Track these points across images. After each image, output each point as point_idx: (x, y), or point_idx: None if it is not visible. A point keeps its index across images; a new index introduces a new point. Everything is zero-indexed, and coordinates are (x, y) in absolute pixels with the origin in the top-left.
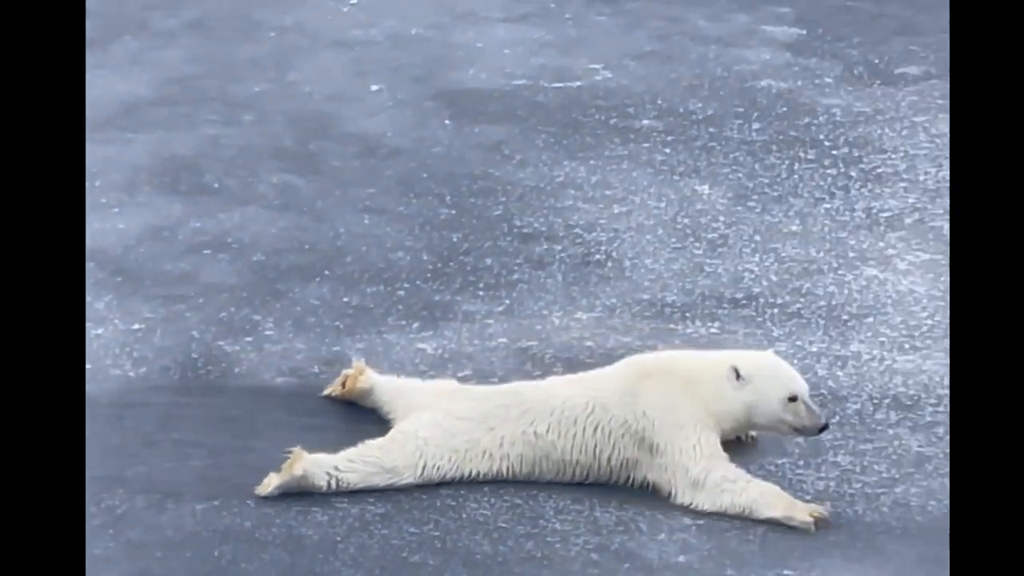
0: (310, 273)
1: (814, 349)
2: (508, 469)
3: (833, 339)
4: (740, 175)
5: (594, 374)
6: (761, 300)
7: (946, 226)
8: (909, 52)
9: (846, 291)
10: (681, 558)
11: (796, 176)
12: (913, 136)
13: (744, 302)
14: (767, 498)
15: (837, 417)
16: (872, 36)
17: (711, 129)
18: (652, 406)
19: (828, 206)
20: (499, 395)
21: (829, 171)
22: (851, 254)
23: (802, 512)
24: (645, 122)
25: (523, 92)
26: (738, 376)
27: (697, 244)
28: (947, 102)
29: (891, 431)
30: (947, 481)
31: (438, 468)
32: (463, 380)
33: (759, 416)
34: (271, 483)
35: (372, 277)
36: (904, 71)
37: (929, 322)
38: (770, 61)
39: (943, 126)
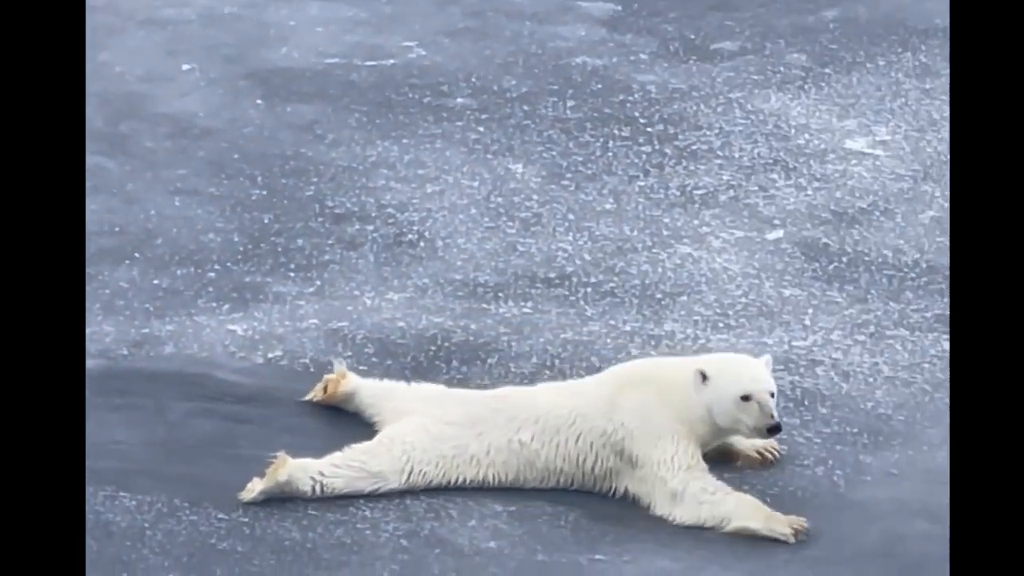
0: (119, 256)
1: (628, 328)
2: (494, 476)
3: (647, 318)
4: (554, 153)
5: (579, 383)
6: (574, 279)
7: (761, 202)
8: (725, 27)
9: (660, 270)
10: (492, 544)
11: (610, 154)
12: (728, 112)
13: (557, 281)
14: (746, 510)
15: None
16: (688, 11)
17: (525, 107)
18: (629, 416)
19: (642, 184)
20: (487, 400)
21: (644, 148)
22: (665, 232)
23: (782, 524)
24: (459, 100)
25: (336, 71)
26: (704, 379)
27: (510, 223)
28: (763, 77)
29: None
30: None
31: (424, 474)
32: (273, 362)
33: (718, 417)
34: (255, 488)
35: (182, 259)
36: (720, 47)
37: (743, 300)
38: (585, 37)
39: (758, 101)
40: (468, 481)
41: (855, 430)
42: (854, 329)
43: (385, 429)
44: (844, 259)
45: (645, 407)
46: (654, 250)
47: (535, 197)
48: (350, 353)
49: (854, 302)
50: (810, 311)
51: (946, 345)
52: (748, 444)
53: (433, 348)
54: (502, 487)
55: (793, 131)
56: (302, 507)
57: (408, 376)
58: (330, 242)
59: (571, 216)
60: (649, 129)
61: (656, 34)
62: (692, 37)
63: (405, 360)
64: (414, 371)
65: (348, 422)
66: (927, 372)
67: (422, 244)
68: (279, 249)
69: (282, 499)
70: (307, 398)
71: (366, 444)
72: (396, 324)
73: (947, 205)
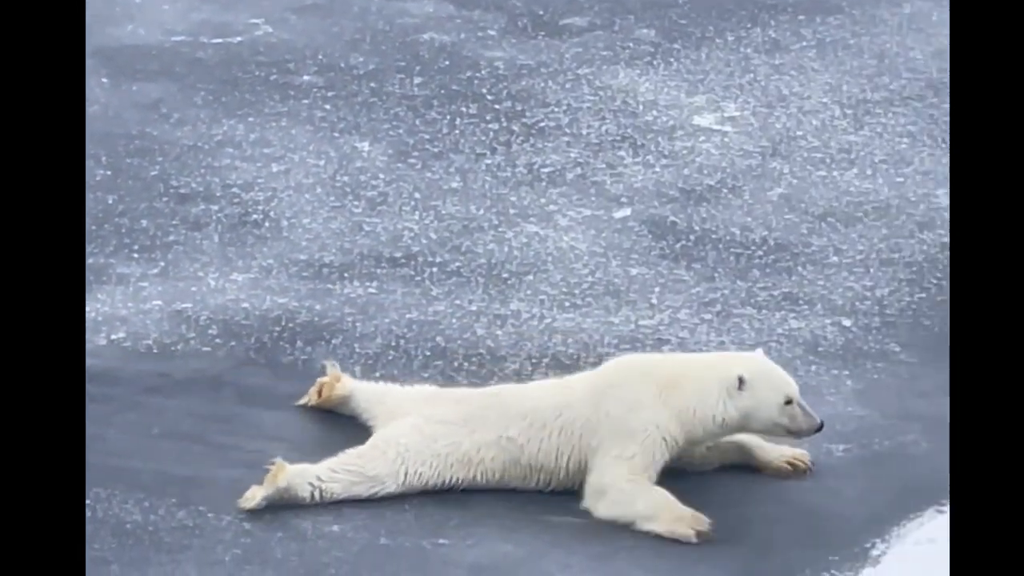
0: None
1: (473, 308)
2: (482, 475)
3: (493, 298)
4: (401, 131)
5: (574, 377)
6: (420, 259)
7: (608, 180)
8: (574, 3)
9: (506, 248)
10: (335, 527)
11: (457, 131)
12: (577, 89)
13: (403, 261)
14: (652, 510)
15: (496, 378)
16: None
17: (372, 84)
18: (615, 405)
19: (489, 162)
20: (480, 398)
21: (491, 126)
22: (512, 211)
23: (684, 526)
24: (305, 78)
25: (182, 49)
26: (741, 384)
27: (356, 203)
28: (612, 53)
29: None
30: None
31: (420, 475)
32: (116, 343)
33: (756, 422)
34: (256, 495)
35: None
36: (569, 22)
37: (590, 279)
38: (433, 14)
39: (607, 78)
40: (461, 481)
41: None
42: (701, 308)
43: (379, 431)
44: (692, 237)
45: (636, 402)
46: (500, 229)
47: (381, 176)
48: (194, 335)
49: (701, 280)
50: (657, 290)
51: (793, 323)
52: (777, 455)
53: (277, 329)
54: (493, 487)
55: (641, 108)
56: (142, 488)
57: (253, 357)
58: (174, 222)
59: (417, 195)
60: (496, 106)
61: (504, 10)
62: (541, 13)
63: (249, 341)
64: (258, 352)
65: (198, 402)
66: (773, 351)
67: (267, 224)
68: (123, 230)
69: (280, 505)
70: (301, 402)
71: (360, 448)
72: (240, 305)
73: (795, 182)
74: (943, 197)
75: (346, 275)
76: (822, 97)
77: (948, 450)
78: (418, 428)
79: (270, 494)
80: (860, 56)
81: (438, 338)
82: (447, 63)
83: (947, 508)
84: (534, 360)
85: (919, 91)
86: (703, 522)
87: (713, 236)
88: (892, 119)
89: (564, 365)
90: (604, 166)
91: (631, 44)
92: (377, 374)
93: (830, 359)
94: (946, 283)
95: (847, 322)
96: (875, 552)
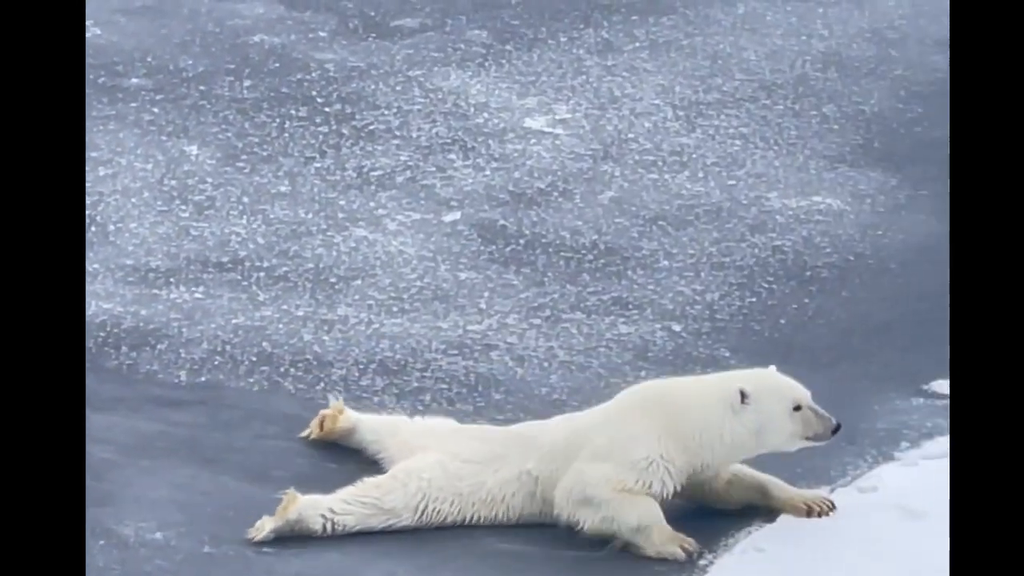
0: None
1: (300, 313)
2: (503, 513)
3: (320, 303)
4: (230, 134)
5: (593, 409)
6: (247, 264)
7: (438, 183)
8: (406, 4)
9: (335, 253)
10: (158, 535)
11: (287, 135)
12: (407, 91)
13: (230, 266)
14: (646, 524)
15: (323, 384)
16: None
17: (201, 87)
18: (619, 435)
19: (319, 165)
20: (504, 436)
21: (321, 129)
22: (341, 215)
23: (674, 544)
24: (134, 81)
25: None
26: (743, 398)
27: (184, 207)
28: (443, 55)
29: (376, 398)
30: None
31: (439, 511)
32: None
33: (770, 434)
34: (265, 527)
35: None
36: (400, 23)
37: (418, 284)
38: (263, 15)
39: (438, 80)
40: (483, 519)
41: (529, 416)
42: (530, 312)
43: (399, 464)
44: (521, 241)
45: (638, 433)
46: (329, 233)
47: (209, 180)
48: None
49: (530, 285)
50: (486, 294)
51: (623, 328)
52: (794, 494)
53: (102, 335)
54: (516, 524)
55: (472, 110)
56: None
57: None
58: None
59: (245, 199)
60: (327, 109)
61: (335, 11)
62: (372, 14)
63: None
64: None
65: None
66: (602, 356)
67: (93, 229)
68: None
69: (293, 536)
70: (303, 435)
71: (379, 479)
72: None
73: (626, 185)
74: (775, 200)
75: (172, 280)
76: (654, 99)
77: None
78: (442, 465)
79: (279, 526)
80: (693, 57)
81: (264, 343)
82: (277, 65)
83: (776, 518)
84: (361, 366)
85: (752, 92)
86: (690, 542)
87: (543, 240)
88: (724, 121)
89: (391, 371)
90: (434, 169)
91: (463, 45)
92: (203, 379)
93: (659, 364)
94: (777, 287)
95: (677, 327)
96: (702, 562)
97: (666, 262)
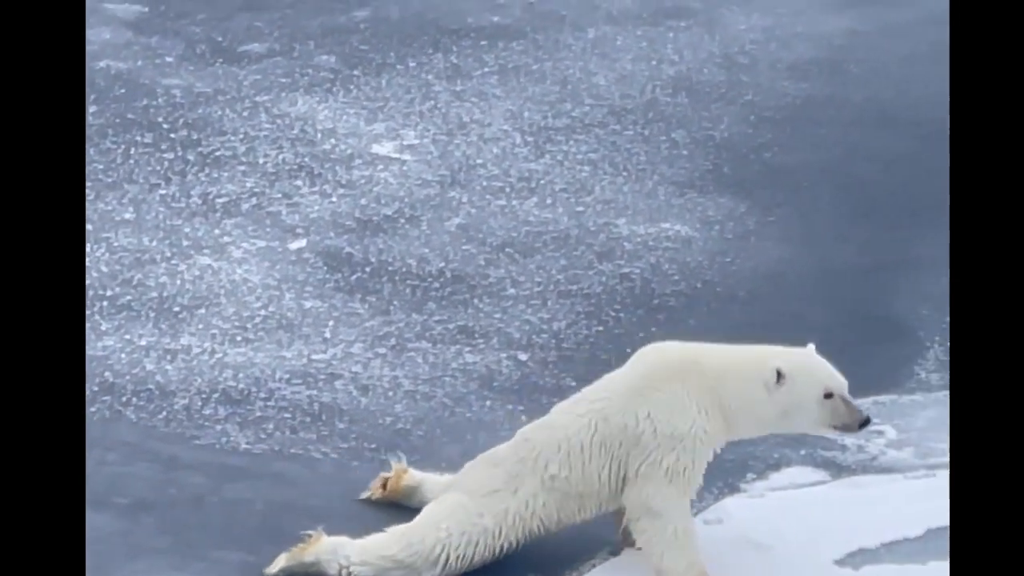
0: None
1: (143, 343)
2: (539, 526)
3: (163, 332)
4: None
5: (600, 383)
6: (91, 292)
7: (284, 210)
8: (253, 29)
9: (179, 281)
10: None
11: (132, 161)
12: (254, 117)
13: None
14: (684, 547)
15: (165, 412)
16: (216, 13)
17: None
18: (656, 408)
19: (164, 192)
20: (513, 450)
21: (166, 155)
22: (185, 242)
23: (696, 572)
24: None
25: None
26: (779, 378)
27: None
28: (290, 80)
29: (219, 427)
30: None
31: (463, 557)
32: None
33: (796, 418)
34: (279, 563)
35: None
36: (247, 49)
37: (263, 312)
38: (110, 40)
39: (285, 105)
40: (517, 543)
41: (373, 446)
42: (375, 341)
43: (425, 508)
44: (367, 269)
45: (678, 402)
46: (173, 261)
47: None
48: None
49: (376, 313)
50: (331, 323)
51: (469, 357)
52: None
53: None
54: (555, 531)
55: (320, 136)
56: None
57: None
58: None
59: (90, 227)
60: (172, 135)
61: (183, 36)
62: (219, 39)
63: None
64: None
65: None
66: (448, 385)
67: None
68: None
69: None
70: (364, 496)
71: (403, 527)
72: None
73: (474, 211)
74: (623, 226)
75: None
76: (503, 124)
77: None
78: (463, 506)
79: (290, 565)
80: (543, 82)
81: (107, 373)
82: (123, 91)
83: (619, 552)
84: (204, 395)
85: (601, 118)
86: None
87: (389, 268)
88: (573, 147)
89: (234, 400)
90: (280, 196)
91: (310, 71)
92: None
93: (505, 394)
94: (624, 315)
95: (523, 356)
96: None
97: (513, 290)
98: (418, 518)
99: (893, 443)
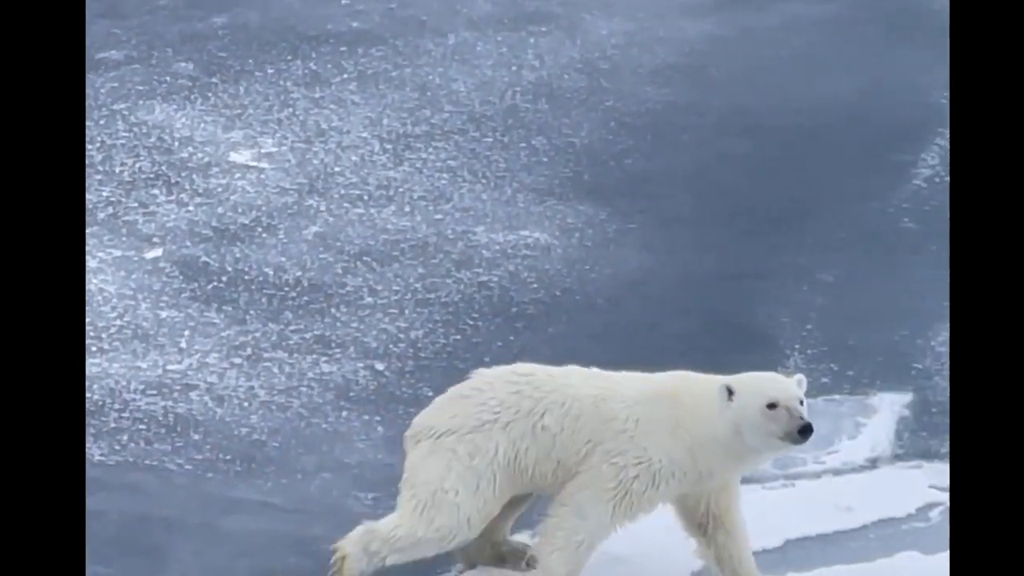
0: None
1: None
2: (520, 473)
3: None
4: None
5: (616, 373)
6: None
7: (140, 219)
8: (111, 36)
9: None
10: None
11: None
12: (111, 125)
13: None
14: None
15: None
16: None
17: None
18: (647, 417)
19: None
20: (509, 381)
21: None
22: None
23: None
24: None
25: None
26: (730, 394)
27: None
28: (148, 87)
29: None
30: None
31: (480, 511)
32: None
33: (747, 432)
34: None
35: None
36: (105, 56)
37: (118, 323)
38: None
39: (143, 113)
40: (504, 488)
41: (228, 457)
42: (231, 351)
43: (415, 464)
44: (224, 278)
45: (668, 421)
46: None
47: None
48: None
49: (232, 323)
50: (186, 333)
51: (325, 367)
52: None
53: None
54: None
55: (177, 144)
56: None
57: None
58: None
59: None
60: None
61: None
62: None
63: None
64: None
65: None
66: (304, 396)
67: None
68: None
69: None
70: None
71: (411, 502)
72: None
73: (332, 220)
74: (481, 234)
75: None
76: (362, 131)
77: None
78: (454, 455)
79: None
80: (402, 89)
81: None
82: None
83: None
84: None
85: (461, 125)
86: None
87: (246, 277)
88: (432, 154)
89: (89, 411)
90: (137, 205)
91: (168, 78)
92: None
93: (362, 404)
94: (482, 324)
95: (380, 365)
96: None
97: (370, 299)
98: (416, 482)
99: None
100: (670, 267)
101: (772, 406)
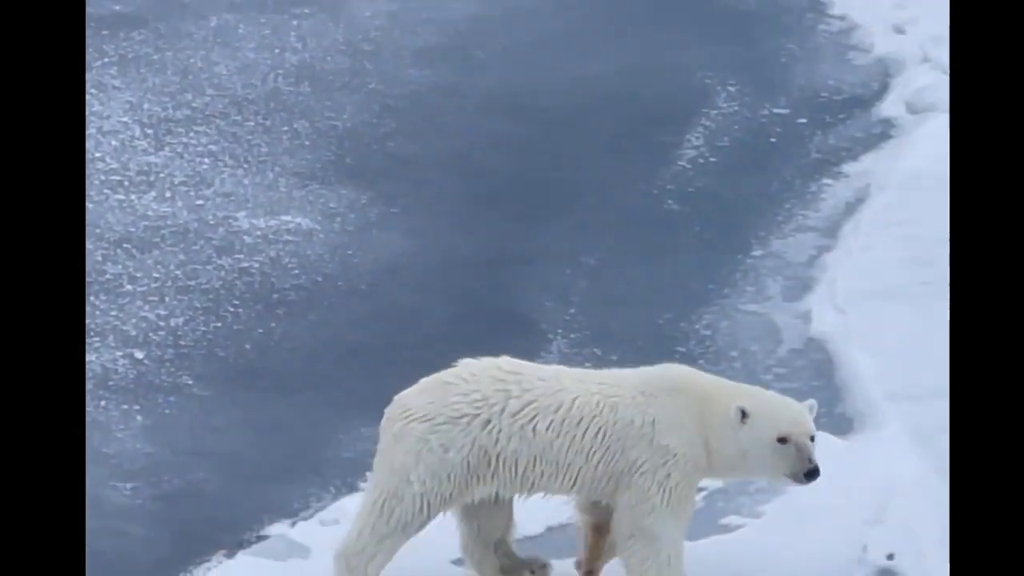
0: None
1: None
2: (505, 469)
3: None
4: None
5: (610, 373)
6: None
7: None
8: None
9: None
10: None
11: None
12: None
13: None
14: None
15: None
16: None
17: None
18: (662, 414)
19: None
20: (491, 375)
21: None
22: None
23: None
24: None
25: None
26: (743, 417)
27: None
28: None
29: None
30: None
31: (444, 500)
32: None
33: (752, 460)
34: None
35: None
36: None
37: None
38: None
39: None
40: (486, 482)
41: None
42: None
43: (387, 450)
44: None
45: (678, 418)
46: None
47: None
48: None
49: None
50: None
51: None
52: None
53: None
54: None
55: None
56: None
57: None
58: None
59: None
60: None
61: None
62: None
63: None
64: None
65: None
66: None
67: None
68: None
69: None
70: None
71: (376, 491)
72: None
73: (91, 206)
74: (243, 220)
75: None
76: (122, 116)
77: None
78: (426, 444)
79: None
80: (164, 72)
81: None
82: None
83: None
84: None
85: (223, 108)
86: None
87: None
88: (194, 138)
89: None
90: None
91: None
92: None
93: (121, 393)
94: (243, 311)
95: (139, 354)
96: None
97: (130, 286)
98: (384, 469)
99: None
100: (433, 251)
101: (783, 440)
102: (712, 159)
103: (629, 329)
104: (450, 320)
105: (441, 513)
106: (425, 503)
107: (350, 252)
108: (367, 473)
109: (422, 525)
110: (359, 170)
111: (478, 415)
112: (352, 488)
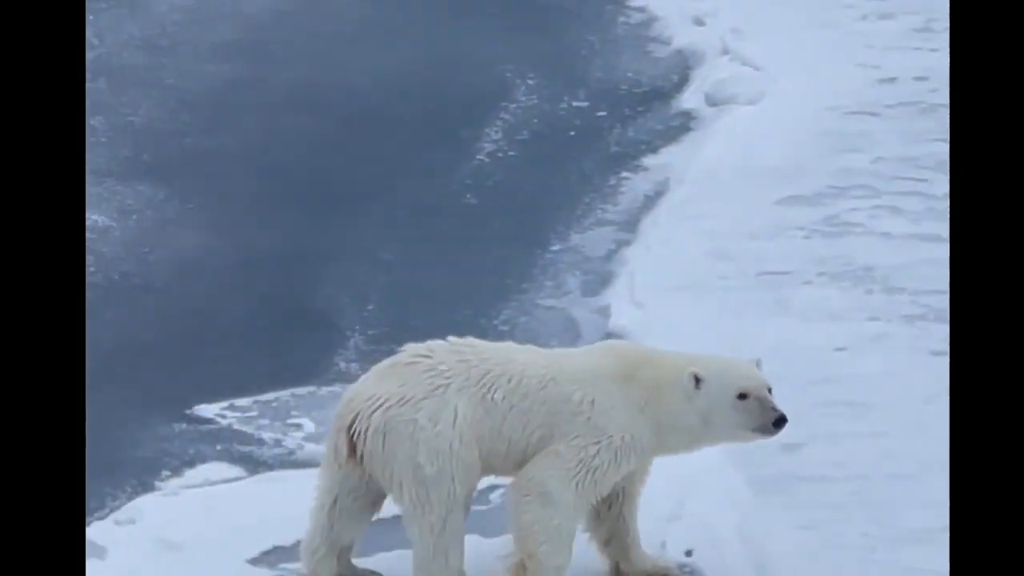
0: None
1: None
2: (477, 441)
3: None
4: None
5: (563, 351)
6: None
7: None
8: None
9: None
10: None
11: None
12: None
13: None
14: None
15: None
16: None
17: None
18: (603, 397)
19: None
20: (454, 350)
21: None
22: None
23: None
24: None
25: None
26: (697, 383)
27: None
28: None
29: None
30: None
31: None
32: None
33: (717, 424)
34: None
35: None
36: None
37: None
38: None
39: None
40: (459, 442)
41: None
42: None
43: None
44: None
45: (617, 400)
46: None
47: None
48: None
49: None
50: None
51: None
52: (649, 564)
53: None
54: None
55: None
56: None
57: None
58: None
59: None
60: None
61: None
62: None
63: None
64: None
65: None
66: None
67: None
68: None
69: None
70: None
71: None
72: None
73: None
74: None
75: None
76: None
77: None
78: (415, 424)
79: None
80: None
81: None
82: None
83: None
84: None
85: None
86: None
87: None
88: None
89: None
90: None
91: None
92: None
93: None
94: None
95: None
96: None
97: None
98: (395, 474)
99: (311, 436)
100: (230, 248)
101: (743, 396)
102: (511, 153)
103: (427, 325)
104: (247, 317)
105: (472, 485)
106: (448, 477)
107: (146, 249)
108: (163, 472)
109: (468, 494)
110: (156, 167)
111: (450, 384)
112: (147, 487)
